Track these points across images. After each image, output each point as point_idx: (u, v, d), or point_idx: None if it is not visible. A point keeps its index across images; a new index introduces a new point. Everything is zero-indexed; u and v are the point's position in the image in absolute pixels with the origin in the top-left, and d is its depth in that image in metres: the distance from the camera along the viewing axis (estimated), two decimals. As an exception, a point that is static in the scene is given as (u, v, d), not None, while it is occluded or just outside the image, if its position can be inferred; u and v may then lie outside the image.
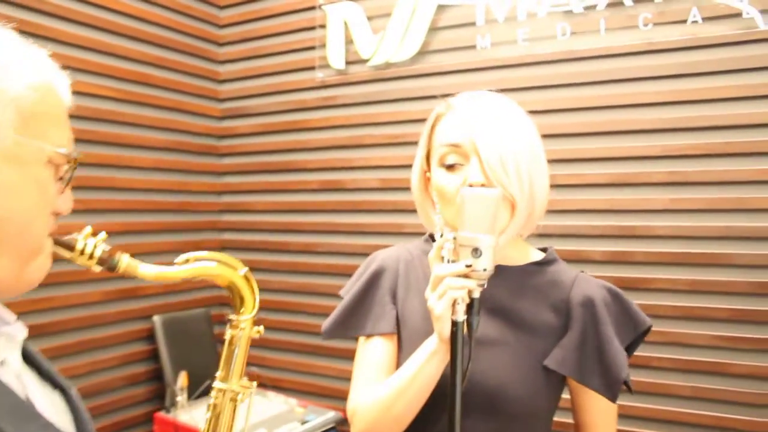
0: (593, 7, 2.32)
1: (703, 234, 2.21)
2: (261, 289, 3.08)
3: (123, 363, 2.71)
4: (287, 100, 3.02)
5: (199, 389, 2.74)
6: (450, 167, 1.10)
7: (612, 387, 1.10)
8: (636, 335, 1.15)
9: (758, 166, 2.13)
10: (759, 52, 2.11)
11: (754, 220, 2.14)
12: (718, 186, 2.19)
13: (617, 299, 1.15)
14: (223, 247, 3.20)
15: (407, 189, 2.68)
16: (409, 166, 2.67)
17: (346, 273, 2.86)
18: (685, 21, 2.19)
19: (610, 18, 2.31)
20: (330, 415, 2.72)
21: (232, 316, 0.98)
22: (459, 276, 0.97)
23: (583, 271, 1.20)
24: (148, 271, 0.87)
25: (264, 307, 3.08)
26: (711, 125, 2.19)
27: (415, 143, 2.62)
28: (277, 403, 2.76)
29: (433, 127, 1.17)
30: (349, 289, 1.31)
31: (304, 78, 2.95)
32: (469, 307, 0.98)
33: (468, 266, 0.96)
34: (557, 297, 1.15)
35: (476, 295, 0.98)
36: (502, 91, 1.16)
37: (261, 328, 1.00)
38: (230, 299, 0.98)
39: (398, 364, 1.18)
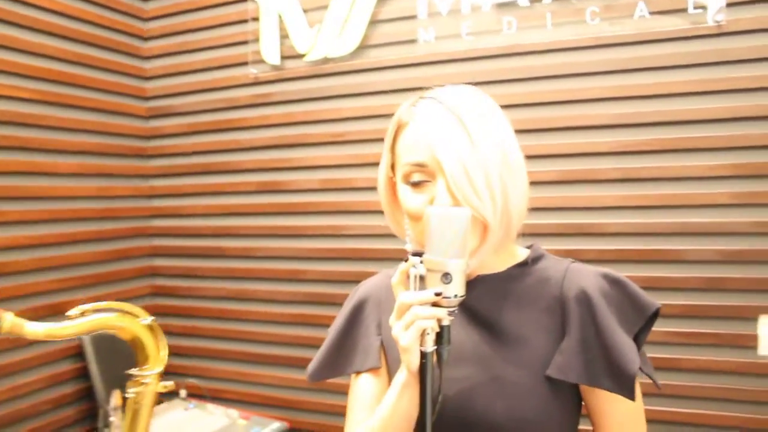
0: (539, 0, 2.24)
1: (655, 231, 2.18)
2: (197, 296, 2.91)
3: (49, 385, 2.51)
4: (219, 98, 2.84)
5: (132, 408, 2.58)
6: (416, 185, 0.99)
7: (626, 384, 0.98)
8: (644, 321, 1.03)
9: (709, 161, 2.11)
10: (707, 47, 2.07)
11: (706, 215, 2.12)
12: (670, 182, 2.16)
13: (616, 285, 1.03)
14: (154, 253, 3.02)
15: (349, 190, 2.59)
16: (351, 166, 2.58)
17: (287, 278, 2.77)
18: (632, 15, 2.13)
19: (557, 12, 2.23)
20: (275, 426, 2.59)
21: (134, 371, 0.84)
22: (428, 304, 0.89)
23: (574, 261, 1.08)
24: (37, 329, 0.74)
25: (201, 315, 2.92)
26: (661, 121, 2.15)
27: (357, 141, 2.55)
28: (217, 416, 2.62)
29: (395, 136, 1.05)
30: (334, 325, 1.22)
31: (237, 74, 2.78)
32: (439, 336, 0.90)
33: (438, 294, 0.88)
34: (548, 296, 1.04)
35: (446, 323, 0.90)
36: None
37: (170, 383, 0.86)
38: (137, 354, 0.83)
39: None
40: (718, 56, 2.06)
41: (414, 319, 0.88)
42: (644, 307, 1.03)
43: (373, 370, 1.13)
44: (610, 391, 0.99)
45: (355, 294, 1.23)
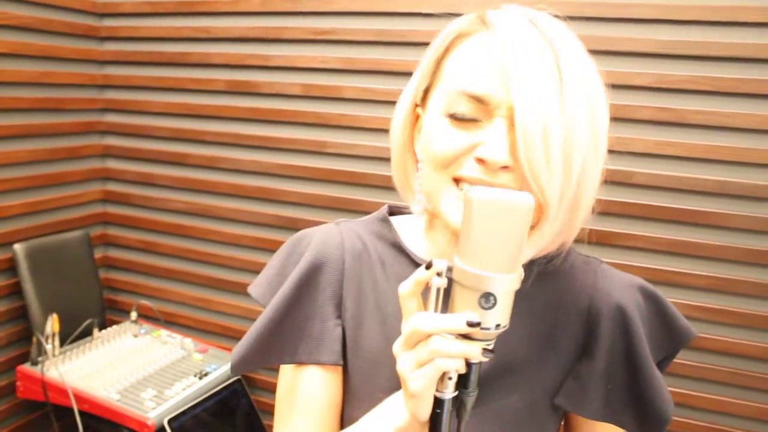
0: None
1: (693, 187, 1.82)
2: (153, 208, 2.49)
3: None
4: (187, -27, 2.36)
5: (75, 332, 2.29)
6: (460, 121, 0.69)
7: (656, 429, 0.80)
8: (675, 350, 0.85)
9: (770, 110, 1.73)
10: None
11: (756, 176, 1.76)
12: (719, 131, 1.78)
13: (653, 302, 0.83)
14: (106, 153, 2.61)
15: (336, 100, 2.16)
16: (339, 71, 2.15)
17: (256, 196, 2.36)
18: None
19: None
20: (234, 361, 2.32)
21: None
22: (454, 335, 0.61)
23: (601, 262, 0.85)
24: None
25: (156, 229, 2.54)
26: (720, 55, 1.74)
27: (348, 42, 2.11)
28: (171, 347, 2.32)
29: (448, 49, 0.74)
30: (266, 291, 0.85)
31: (209, -55, 2.29)
32: (463, 378, 0.64)
33: (473, 325, 0.59)
34: (570, 305, 0.82)
35: (477, 360, 0.62)
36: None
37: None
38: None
39: (345, 406, 0.86)
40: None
41: (433, 357, 0.61)
42: (680, 335, 0.84)
43: (325, 365, 0.84)
44: None
45: (303, 248, 0.86)
